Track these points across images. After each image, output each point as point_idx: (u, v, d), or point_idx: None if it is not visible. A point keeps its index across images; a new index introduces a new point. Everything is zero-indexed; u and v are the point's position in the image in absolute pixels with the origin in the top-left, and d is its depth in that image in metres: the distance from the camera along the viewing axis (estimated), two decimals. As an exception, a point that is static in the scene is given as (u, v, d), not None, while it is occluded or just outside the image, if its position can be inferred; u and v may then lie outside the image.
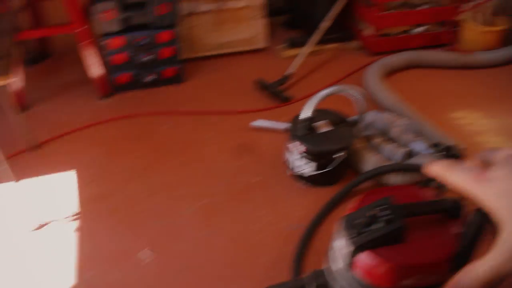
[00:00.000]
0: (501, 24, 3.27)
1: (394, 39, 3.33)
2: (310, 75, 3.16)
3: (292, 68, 3.02)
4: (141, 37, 2.85)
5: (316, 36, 3.09)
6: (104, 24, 2.78)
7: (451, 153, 1.86)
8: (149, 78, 3.01)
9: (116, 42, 2.83)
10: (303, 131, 2.20)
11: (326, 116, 2.33)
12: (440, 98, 2.96)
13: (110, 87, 2.97)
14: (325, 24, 3.10)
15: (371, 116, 2.55)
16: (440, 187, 0.99)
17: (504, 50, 3.24)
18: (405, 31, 3.36)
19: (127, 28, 2.84)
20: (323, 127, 2.27)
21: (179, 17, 3.05)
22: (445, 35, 3.28)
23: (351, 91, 2.20)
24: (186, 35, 3.21)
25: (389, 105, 2.72)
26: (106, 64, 2.90)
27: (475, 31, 3.24)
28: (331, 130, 2.25)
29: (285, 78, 2.99)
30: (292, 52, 3.27)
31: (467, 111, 2.84)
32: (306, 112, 2.20)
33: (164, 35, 2.89)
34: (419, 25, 3.36)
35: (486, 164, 0.63)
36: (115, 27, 2.80)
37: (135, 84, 3.01)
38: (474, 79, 3.15)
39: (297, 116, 2.28)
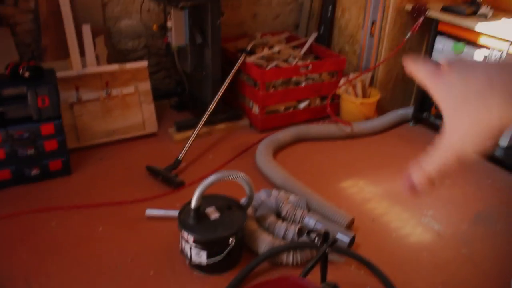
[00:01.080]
0: (374, 95, 3.58)
1: (281, 115, 3.48)
2: (203, 157, 3.18)
3: (183, 151, 3.02)
4: (21, 131, 2.72)
5: (205, 118, 3.15)
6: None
7: (326, 239, 1.92)
8: (34, 172, 2.85)
9: (-10, 139, 2.67)
10: (192, 220, 2.18)
11: (216, 202, 2.33)
12: (329, 169, 3.10)
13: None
14: (213, 105, 3.18)
15: (262, 196, 2.60)
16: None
17: (379, 120, 3.53)
18: (292, 107, 3.55)
19: (4, 122, 2.69)
20: (213, 213, 2.26)
21: (63, 108, 2.97)
22: (327, 108, 3.48)
23: (235, 177, 2.23)
24: (73, 125, 3.12)
25: (279, 183, 2.79)
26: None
27: (352, 104, 3.50)
28: (222, 215, 2.25)
29: (177, 163, 2.98)
30: (183, 135, 3.29)
31: (354, 179, 3.00)
32: (193, 201, 2.18)
33: (47, 128, 2.77)
34: (302, 101, 3.56)
35: (447, 66, 0.65)
36: (-13, 123, 2.64)
37: (17, 180, 2.82)
38: (357, 148, 3.36)
39: (186, 204, 2.25)
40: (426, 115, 3.60)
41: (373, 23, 3.56)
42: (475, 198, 2.89)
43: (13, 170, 2.78)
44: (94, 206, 2.67)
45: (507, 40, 2.92)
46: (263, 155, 3.02)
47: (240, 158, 3.18)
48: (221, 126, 3.46)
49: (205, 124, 3.28)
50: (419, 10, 3.29)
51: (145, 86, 3.31)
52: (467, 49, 3.18)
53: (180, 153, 3.01)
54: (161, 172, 2.90)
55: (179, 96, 3.76)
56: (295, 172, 2.97)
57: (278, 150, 3.23)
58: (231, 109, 3.59)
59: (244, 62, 3.38)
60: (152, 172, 2.93)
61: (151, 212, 2.59)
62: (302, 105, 3.55)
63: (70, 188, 2.85)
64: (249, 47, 3.45)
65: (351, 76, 3.52)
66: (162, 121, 3.53)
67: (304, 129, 3.35)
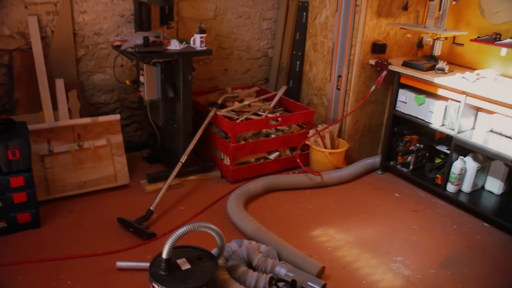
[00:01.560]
0: (342, 145, 3.69)
1: (252, 166, 3.55)
2: (174, 208, 3.18)
3: (155, 202, 3.03)
4: (-14, 184, 2.70)
5: (176, 170, 3.19)
6: None
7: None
8: (0, 225, 2.80)
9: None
10: (163, 272, 2.17)
11: (187, 253, 2.33)
12: (299, 218, 3.14)
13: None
14: (184, 157, 3.23)
15: (234, 246, 2.61)
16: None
17: (347, 169, 3.63)
18: (263, 158, 3.62)
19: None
20: (184, 264, 2.26)
21: (34, 160, 2.97)
22: (297, 158, 3.56)
23: (206, 228, 2.25)
24: (44, 177, 3.10)
25: (250, 233, 2.81)
26: None
27: (321, 154, 3.60)
28: (193, 266, 2.25)
29: (148, 214, 2.97)
30: (154, 186, 3.30)
31: (325, 228, 3.04)
32: (164, 252, 2.18)
33: (17, 180, 2.75)
34: (273, 152, 3.65)
35: None
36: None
37: None
38: (327, 197, 3.43)
39: (157, 256, 2.25)
40: (393, 163, 3.72)
41: (339, 77, 3.73)
42: (442, 243, 2.96)
43: (-22, 224, 2.74)
44: (63, 259, 2.63)
45: (463, 92, 3.10)
46: (234, 206, 3.05)
47: (212, 209, 3.20)
48: (192, 177, 3.49)
49: (177, 175, 3.32)
50: (382, 65, 3.48)
51: (117, 138, 3.35)
52: (427, 100, 3.35)
53: (152, 204, 3.02)
54: (132, 223, 2.89)
55: (151, 148, 3.81)
56: (266, 222, 3.00)
57: (249, 201, 3.27)
58: (203, 161, 3.65)
59: (215, 115, 3.47)
60: (123, 223, 2.91)
61: (122, 264, 2.57)
62: (273, 156, 3.63)
63: (38, 241, 2.80)
64: (220, 101, 3.55)
65: (320, 127, 3.63)
66: (134, 173, 3.54)
67: (275, 179, 3.41)
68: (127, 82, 3.34)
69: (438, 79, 3.19)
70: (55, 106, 3.27)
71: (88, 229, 2.92)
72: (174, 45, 3.12)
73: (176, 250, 2.28)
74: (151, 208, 3.00)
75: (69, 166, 3.20)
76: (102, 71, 3.59)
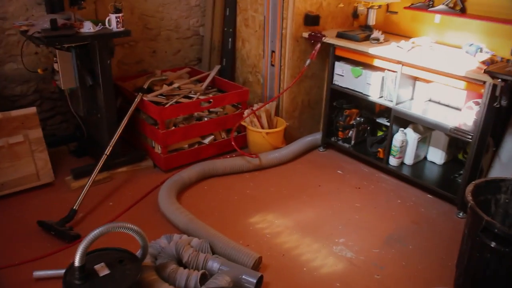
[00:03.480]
0: (280, 124, 3.53)
1: (185, 153, 3.33)
2: (102, 205, 2.94)
3: (78, 201, 2.79)
4: None
5: (101, 163, 2.94)
6: None
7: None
8: None
9: None
10: (78, 281, 1.96)
11: (105, 257, 2.11)
12: (237, 205, 2.97)
13: None
14: (109, 149, 2.99)
15: (163, 242, 2.41)
16: None
17: (287, 148, 3.47)
18: (197, 143, 3.42)
19: None
20: (102, 270, 2.05)
21: None
22: (231, 141, 3.37)
23: (122, 228, 2.04)
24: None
25: (182, 226, 2.62)
26: None
27: (258, 135, 3.43)
28: (113, 271, 2.04)
29: (71, 214, 2.73)
30: (81, 183, 3.04)
31: (264, 213, 2.89)
32: (77, 259, 1.97)
33: None
34: (207, 136, 3.45)
35: None
36: None
37: None
38: (266, 180, 3.27)
39: (71, 264, 2.03)
40: (334, 139, 3.59)
41: (272, 52, 3.53)
42: (386, 220, 2.86)
43: None
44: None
45: (398, 62, 2.97)
46: (165, 198, 2.84)
47: (143, 202, 2.99)
48: (122, 169, 3.26)
49: (105, 168, 3.09)
50: (315, 37, 3.31)
51: (36, 133, 3.05)
52: (364, 72, 3.22)
53: (75, 202, 2.78)
54: (53, 226, 2.64)
55: (78, 141, 3.53)
56: (201, 212, 2.83)
57: (183, 190, 3.08)
58: (134, 150, 3.41)
59: (142, 101, 3.22)
60: (44, 227, 2.67)
61: (39, 273, 2.34)
62: (207, 140, 3.43)
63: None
64: (145, 85, 3.30)
65: (256, 107, 3.45)
66: (60, 170, 3.27)
67: (210, 165, 3.22)
68: (39, 71, 3.03)
69: (373, 49, 3.05)
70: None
71: (3, 237, 2.66)
72: (88, 28, 2.84)
73: (93, 254, 2.07)
74: (74, 207, 2.76)
75: (-20, 168, 2.92)
76: (13, 60, 3.25)
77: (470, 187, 2.26)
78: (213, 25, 3.89)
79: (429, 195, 3.14)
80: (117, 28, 2.91)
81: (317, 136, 3.65)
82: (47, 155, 3.11)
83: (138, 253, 2.17)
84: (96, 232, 1.97)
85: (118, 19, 2.88)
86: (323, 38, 3.27)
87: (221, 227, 2.64)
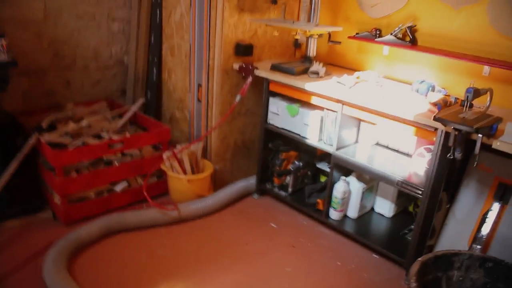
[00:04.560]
0: (207, 169, 3.05)
1: (92, 203, 2.81)
2: (-24, 269, 2.43)
3: None
4: None
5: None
6: None
7: None
8: None
9: None
10: None
11: None
12: (143, 269, 2.44)
13: None
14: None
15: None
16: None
17: (213, 197, 2.98)
18: (106, 191, 2.91)
19: None
20: None
21: None
22: (143, 189, 2.87)
23: None
24: None
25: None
26: None
27: (179, 181, 2.94)
28: None
29: None
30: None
31: (172, 282, 2.36)
32: None
33: None
34: (119, 182, 2.95)
35: None
36: None
37: None
38: (184, 236, 2.75)
39: None
40: (269, 186, 3.12)
41: (199, 86, 3.08)
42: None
43: None
44: None
45: (338, 101, 2.53)
46: (51, 264, 2.30)
47: (31, 266, 2.44)
48: (13, 223, 2.72)
49: (-11, 222, 2.58)
50: (246, 70, 2.86)
51: None
52: (301, 111, 2.77)
53: None
54: None
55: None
56: (96, 280, 2.32)
57: (81, 250, 2.55)
58: (29, 199, 2.88)
59: (39, 142, 2.72)
60: None
61: None
62: (119, 187, 2.92)
63: None
64: (45, 123, 2.81)
65: (178, 148, 2.97)
66: None
67: (118, 218, 2.69)
68: None
69: (310, 85, 2.61)
70: None
71: None
72: (-39, 55, 2.37)
73: None
74: None
75: None
76: None
77: (415, 268, 1.84)
78: (137, 54, 3.43)
79: (375, 255, 2.66)
80: (2, 57, 2.43)
81: (251, 181, 3.17)
82: None
83: None
84: None
85: (2, 47, 2.41)
86: (255, 70, 2.83)
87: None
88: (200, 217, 2.93)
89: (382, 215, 2.89)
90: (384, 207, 2.87)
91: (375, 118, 2.42)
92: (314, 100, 2.68)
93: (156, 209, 2.78)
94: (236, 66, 2.93)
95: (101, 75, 3.47)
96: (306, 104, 2.78)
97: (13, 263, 2.45)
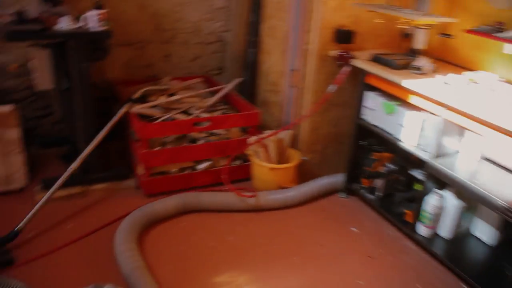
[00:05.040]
0: (293, 159, 2.89)
1: (173, 178, 2.84)
2: (60, 226, 2.55)
3: (25, 220, 2.41)
4: None
5: (63, 178, 2.55)
6: None
7: None
8: None
9: None
10: None
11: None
12: (210, 254, 2.40)
13: None
14: (77, 163, 2.58)
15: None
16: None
17: (295, 190, 2.83)
18: (190, 168, 2.91)
19: None
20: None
21: None
22: (223, 173, 2.81)
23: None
24: None
25: (125, 273, 2.13)
26: None
27: (263, 169, 2.83)
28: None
29: (11, 235, 2.37)
30: (56, 193, 2.67)
31: (235, 272, 2.28)
32: None
33: None
34: (202, 162, 2.92)
35: None
36: None
37: None
38: (259, 226, 2.66)
39: None
40: (357, 186, 2.88)
41: (293, 71, 2.90)
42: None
43: None
44: None
45: (440, 103, 2.21)
46: (122, 233, 2.37)
47: (106, 230, 2.54)
48: (99, 186, 2.85)
49: (79, 183, 2.72)
50: (342, 58, 2.63)
51: (12, 134, 2.75)
52: (399, 109, 2.48)
53: (21, 222, 2.41)
54: (-11, 244, 2.31)
55: (70, 145, 3.19)
56: (160, 258, 2.34)
57: (154, 224, 2.58)
58: (118, 166, 2.97)
59: (129, 112, 2.78)
60: (-21, 244, 2.34)
61: None
62: (202, 166, 2.90)
63: None
64: (137, 95, 2.86)
65: (265, 134, 2.85)
66: (40, 175, 2.92)
67: (194, 198, 2.68)
68: (12, 67, 2.72)
69: (408, 82, 2.31)
70: None
71: None
72: (64, 24, 2.45)
73: None
74: (17, 227, 2.39)
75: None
76: (6, 50, 2.98)
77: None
78: (237, 31, 3.33)
79: (463, 285, 2.33)
80: (98, 27, 2.49)
81: (338, 179, 2.95)
82: (24, 158, 2.80)
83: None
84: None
85: (98, 17, 2.46)
86: (350, 60, 2.59)
87: (172, 284, 2.12)
88: (279, 209, 2.81)
89: (482, 241, 2.50)
90: (485, 232, 2.48)
91: (483, 128, 2.07)
92: (412, 100, 2.37)
93: (233, 193, 2.72)
94: (333, 53, 2.70)
95: (200, 51, 3.46)
96: (406, 103, 2.48)
97: (92, 225, 2.57)
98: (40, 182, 2.80)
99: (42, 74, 2.60)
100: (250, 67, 3.33)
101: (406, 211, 2.57)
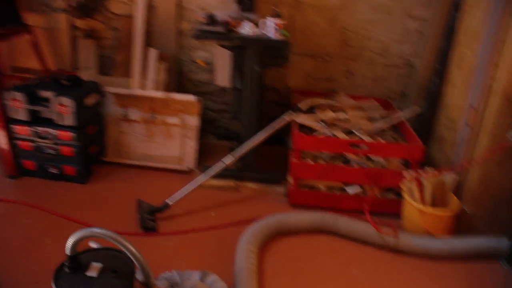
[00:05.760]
0: (451, 207, 2.53)
1: (320, 195, 2.78)
2: (204, 211, 2.76)
3: (176, 198, 2.68)
4: (43, 130, 2.86)
5: (215, 170, 2.74)
6: (12, 111, 2.86)
7: None
8: (53, 170, 2.96)
9: (22, 130, 2.86)
10: (67, 269, 1.88)
11: (113, 260, 1.96)
12: (329, 282, 2.29)
13: (17, 169, 2.98)
14: (230, 160, 2.74)
15: (193, 277, 2.09)
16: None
17: (444, 241, 2.45)
18: (338, 189, 2.81)
19: (38, 119, 2.89)
20: (93, 270, 1.91)
21: (112, 121, 3.04)
22: (366, 204, 2.61)
23: (119, 243, 1.82)
24: (117, 140, 3.16)
25: (236, 270, 2.20)
26: (13, 146, 2.93)
27: (411, 208, 2.55)
28: (99, 277, 1.88)
29: (162, 207, 2.66)
30: (210, 181, 2.91)
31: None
32: (67, 248, 1.88)
33: (64, 134, 2.84)
34: (352, 185, 2.78)
35: None
36: (22, 116, 2.85)
37: (40, 173, 2.95)
38: (390, 269, 2.40)
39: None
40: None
41: (471, 108, 2.53)
42: None
43: (37, 163, 2.95)
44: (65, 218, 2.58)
45: None
46: (249, 236, 2.40)
47: (242, 226, 2.64)
48: (251, 185, 2.98)
49: (235, 178, 2.94)
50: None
51: (193, 121, 3.11)
52: None
53: (172, 198, 2.69)
54: (143, 209, 2.65)
55: (238, 141, 3.40)
56: (277, 268, 2.33)
57: (283, 235, 2.57)
58: (273, 171, 3.05)
59: (292, 121, 2.83)
60: (138, 207, 2.70)
61: (93, 245, 2.38)
62: (351, 190, 2.76)
63: (72, 195, 2.85)
64: (303, 106, 2.88)
65: (424, 172, 2.56)
66: (207, 162, 3.18)
67: (330, 219, 2.57)
68: (200, 62, 3.02)
69: None
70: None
71: (110, 203, 2.81)
72: (245, 29, 2.64)
73: (105, 252, 1.95)
74: (168, 201, 2.68)
75: (140, 136, 3.16)
76: (205, 48, 3.34)
77: None
78: (426, 57, 3.06)
79: None
80: (274, 35, 2.60)
81: (501, 242, 2.45)
82: (197, 144, 3.14)
83: (138, 274, 1.94)
84: (87, 231, 1.83)
85: (276, 26, 2.56)
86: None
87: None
88: (420, 257, 2.50)
89: None
90: None
91: None
92: None
93: (370, 225, 2.53)
94: (525, 97, 2.27)
95: (385, 72, 3.30)
96: None
97: (231, 219, 2.71)
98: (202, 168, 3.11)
99: (222, 72, 2.85)
100: (431, 98, 3.04)
101: None
